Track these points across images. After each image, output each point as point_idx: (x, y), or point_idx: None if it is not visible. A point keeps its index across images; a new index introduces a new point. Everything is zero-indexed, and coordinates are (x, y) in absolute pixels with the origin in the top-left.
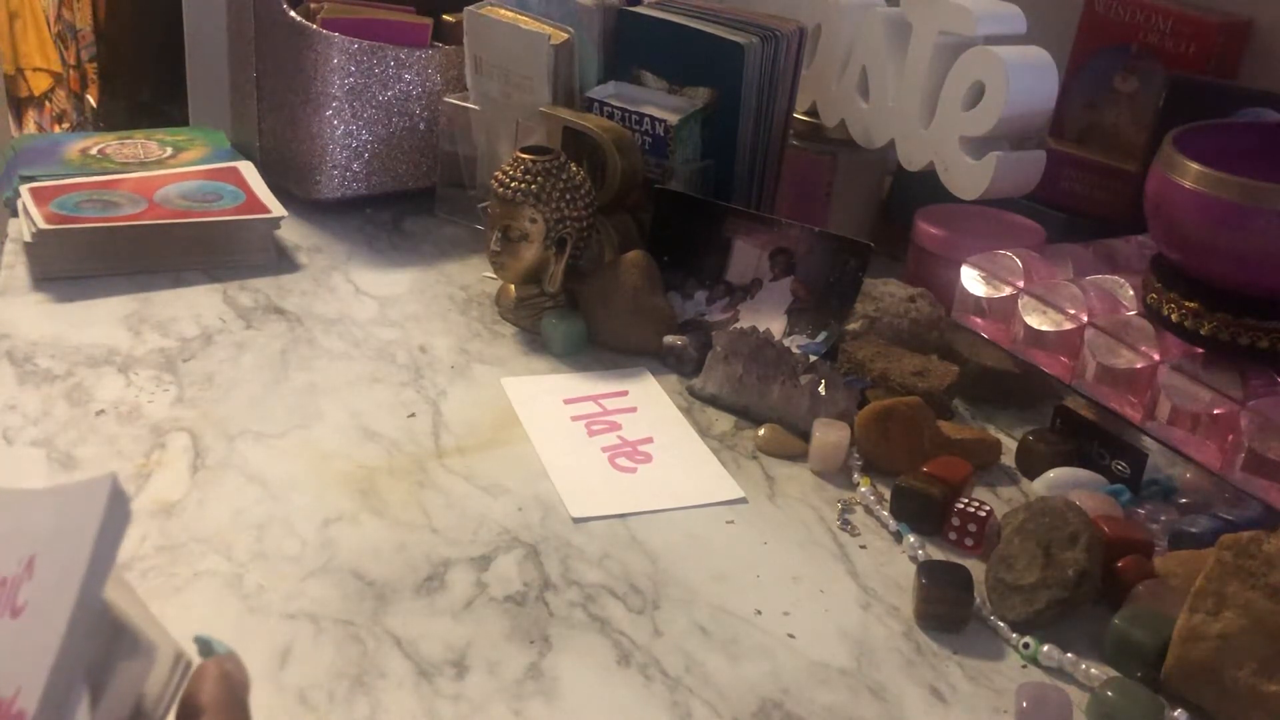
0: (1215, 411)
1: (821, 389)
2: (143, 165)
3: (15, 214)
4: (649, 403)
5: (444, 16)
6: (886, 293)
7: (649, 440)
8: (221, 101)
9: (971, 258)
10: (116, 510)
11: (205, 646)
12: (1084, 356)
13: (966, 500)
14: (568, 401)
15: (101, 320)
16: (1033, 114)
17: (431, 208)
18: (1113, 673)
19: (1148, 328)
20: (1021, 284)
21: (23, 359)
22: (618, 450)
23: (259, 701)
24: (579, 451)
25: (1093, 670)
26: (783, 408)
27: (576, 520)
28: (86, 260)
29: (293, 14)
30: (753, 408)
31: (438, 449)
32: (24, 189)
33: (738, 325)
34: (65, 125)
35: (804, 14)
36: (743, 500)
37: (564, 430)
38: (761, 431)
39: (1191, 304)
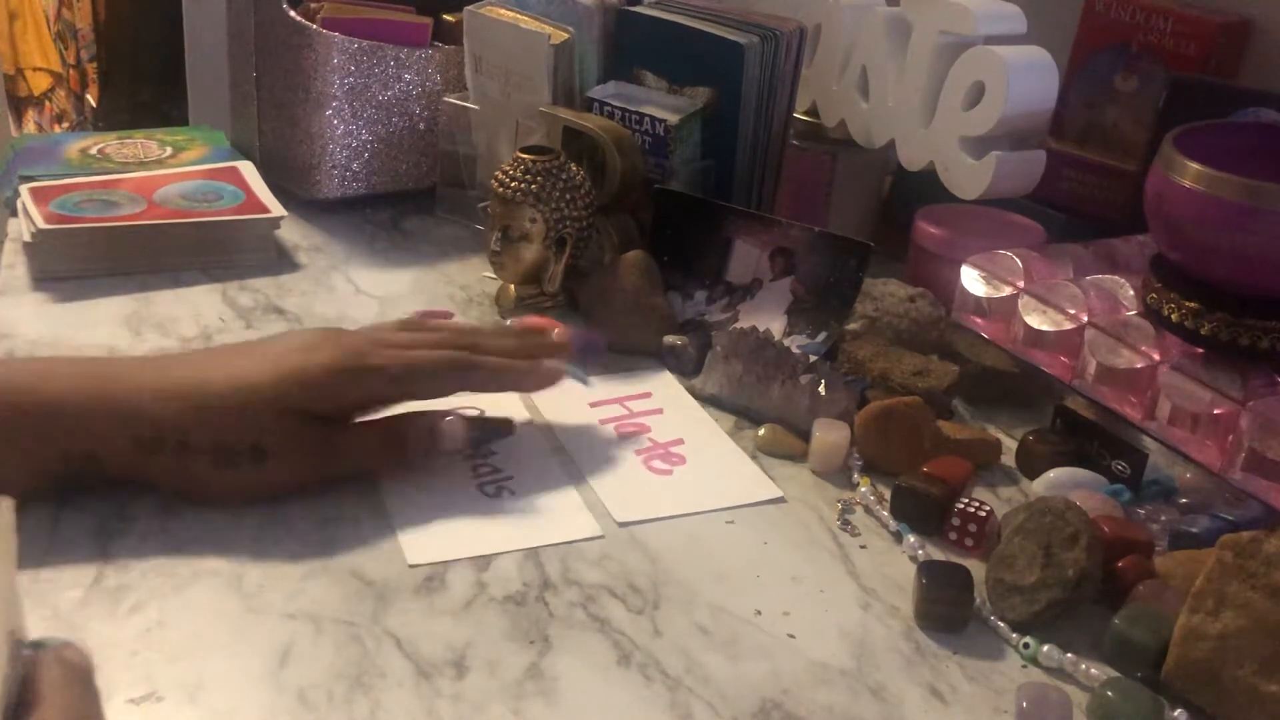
0: (1215, 411)
1: (821, 389)
2: (143, 165)
3: (15, 214)
4: (674, 404)
5: (444, 16)
6: (886, 293)
7: (680, 442)
8: (221, 101)
9: (971, 258)
10: None
11: (38, 645)
12: (1084, 356)
13: (966, 500)
14: (593, 405)
15: (102, 320)
16: (1033, 114)
17: (431, 208)
18: (1113, 673)
19: (1148, 328)
20: (1021, 284)
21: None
22: (651, 453)
23: (259, 701)
24: (612, 455)
25: (1093, 670)
26: (783, 408)
27: (621, 525)
28: (86, 260)
29: (293, 14)
30: (753, 408)
31: None
32: (24, 189)
33: (738, 325)
34: (65, 125)
35: (804, 14)
36: (780, 500)
37: (596, 433)
38: (761, 431)
39: (1191, 304)
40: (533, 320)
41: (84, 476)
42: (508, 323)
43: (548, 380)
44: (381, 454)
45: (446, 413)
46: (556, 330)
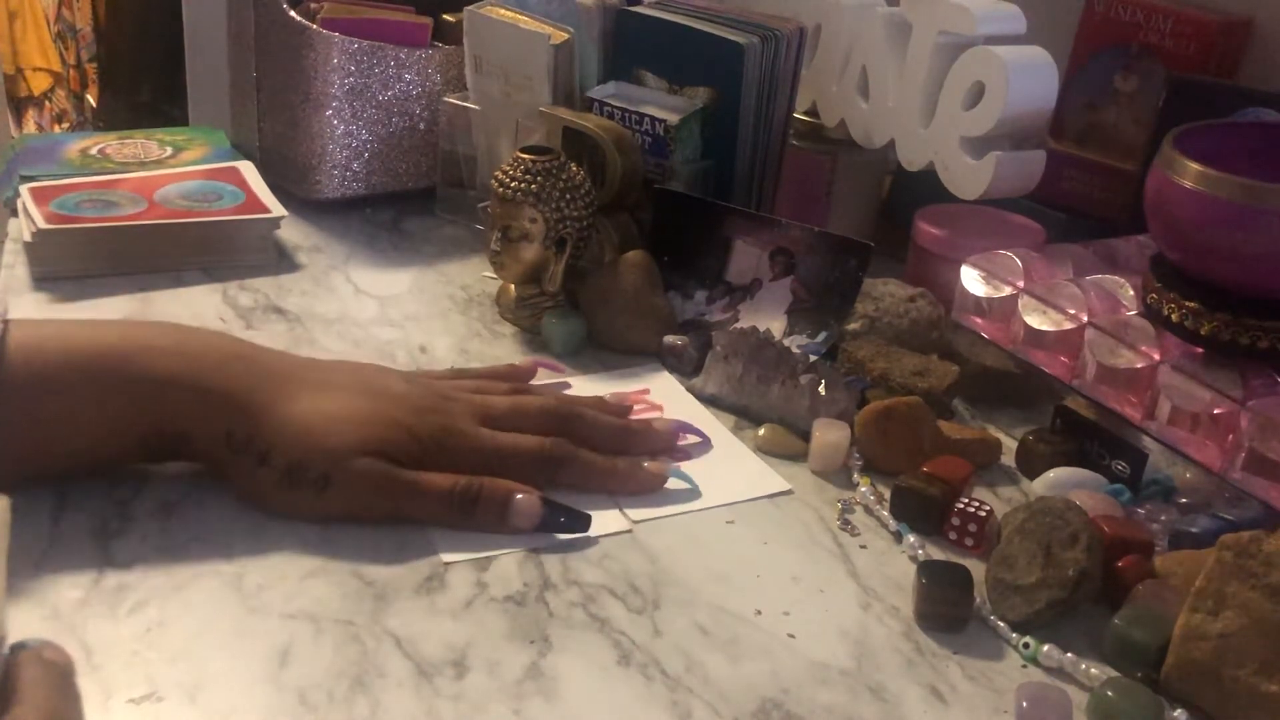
0: (1215, 411)
1: (821, 389)
2: (143, 165)
3: (15, 214)
4: (672, 400)
5: (444, 16)
6: (886, 293)
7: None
8: (221, 101)
9: (971, 258)
10: None
11: (19, 646)
12: (1084, 356)
13: (966, 500)
14: None
15: None
16: (1033, 114)
17: (431, 208)
18: (1113, 673)
19: (1148, 328)
20: (1021, 284)
21: None
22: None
23: (259, 701)
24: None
25: (1093, 670)
26: (783, 408)
27: (635, 522)
28: (86, 260)
29: (293, 14)
30: (753, 408)
31: None
32: (24, 189)
33: (738, 325)
34: (65, 125)
35: (804, 14)
36: (789, 492)
37: None
38: (761, 431)
39: (1191, 304)
40: (635, 395)
41: (171, 452)
42: (606, 396)
43: (648, 486)
44: (445, 514)
45: (522, 488)
46: (657, 420)
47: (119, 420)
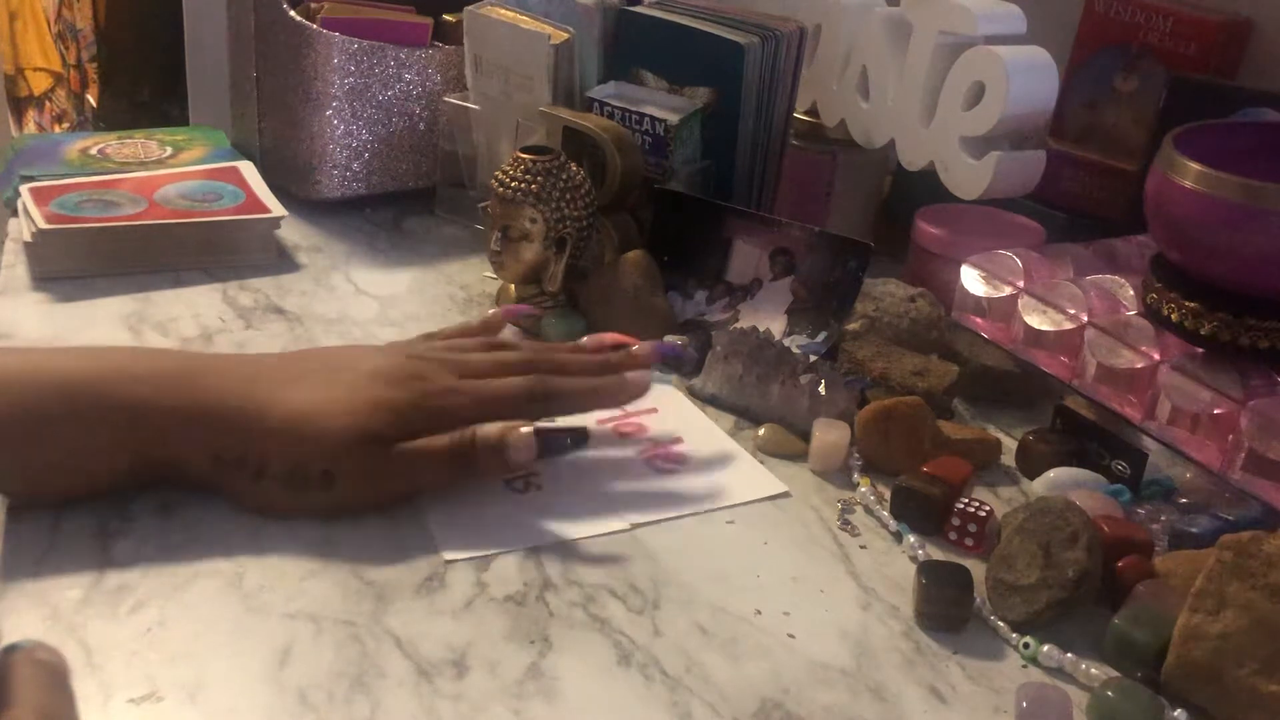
0: (1215, 411)
1: (821, 389)
2: (143, 165)
3: (15, 214)
4: (667, 402)
5: (444, 16)
6: (886, 293)
7: (679, 441)
8: (221, 101)
9: (971, 258)
10: None
11: (11, 647)
12: (1084, 356)
13: (966, 500)
14: None
15: (102, 320)
16: (1033, 114)
17: (431, 208)
18: (1113, 673)
19: (1148, 328)
20: (1021, 284)
21: None
22: (652, 453)
23: (259, 701)
24: (616, 455)
25: (1093, 670)
26: (783, 408)
27: (635, 526)
28: (86, 260)
29: (293, 14)
30: (753, 408)
31: None
32: (24, 189)
33: (738, 325)
34: (65, 125)
35: (804, 14)
36: (786, 495)
37: (596, 434)
38: (761, 431)
39: (1191, 304)
40: (610, 336)
41: (164, 478)
42: (583, 341)
43: (635, 392)
44: (450, 474)
45: (514, 425)
46: (637, 346)
47: (106, 450)
